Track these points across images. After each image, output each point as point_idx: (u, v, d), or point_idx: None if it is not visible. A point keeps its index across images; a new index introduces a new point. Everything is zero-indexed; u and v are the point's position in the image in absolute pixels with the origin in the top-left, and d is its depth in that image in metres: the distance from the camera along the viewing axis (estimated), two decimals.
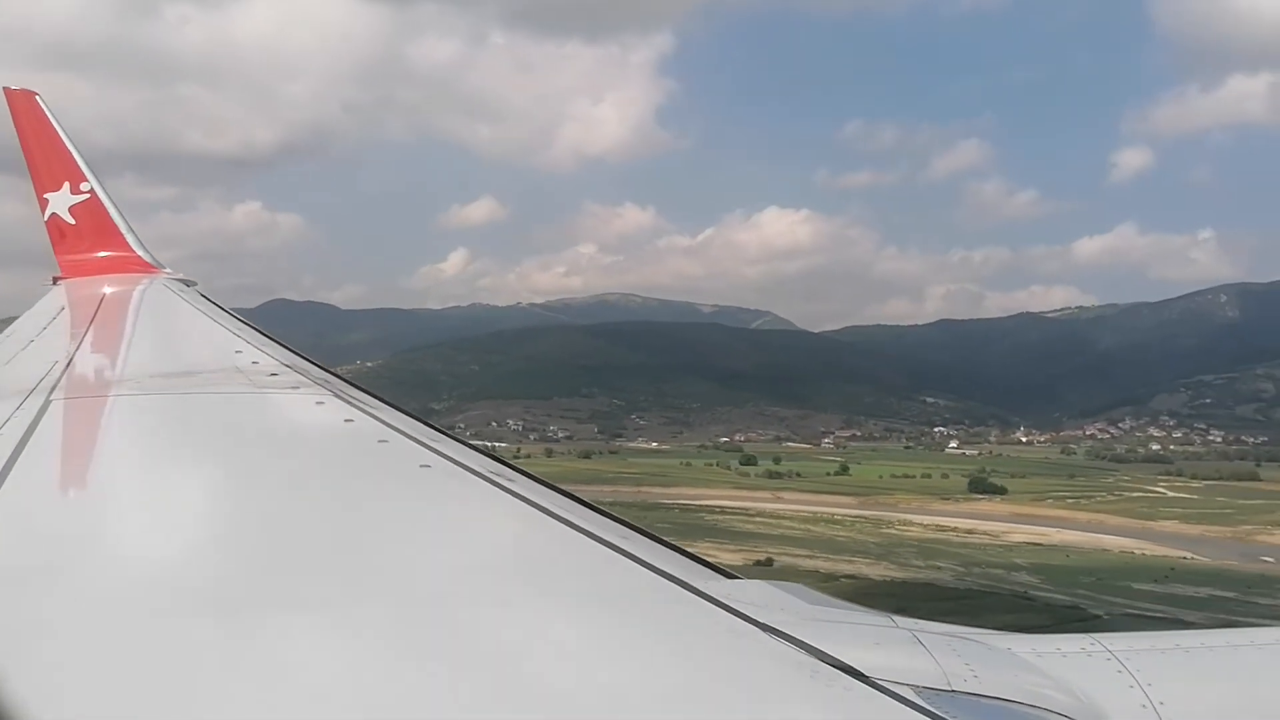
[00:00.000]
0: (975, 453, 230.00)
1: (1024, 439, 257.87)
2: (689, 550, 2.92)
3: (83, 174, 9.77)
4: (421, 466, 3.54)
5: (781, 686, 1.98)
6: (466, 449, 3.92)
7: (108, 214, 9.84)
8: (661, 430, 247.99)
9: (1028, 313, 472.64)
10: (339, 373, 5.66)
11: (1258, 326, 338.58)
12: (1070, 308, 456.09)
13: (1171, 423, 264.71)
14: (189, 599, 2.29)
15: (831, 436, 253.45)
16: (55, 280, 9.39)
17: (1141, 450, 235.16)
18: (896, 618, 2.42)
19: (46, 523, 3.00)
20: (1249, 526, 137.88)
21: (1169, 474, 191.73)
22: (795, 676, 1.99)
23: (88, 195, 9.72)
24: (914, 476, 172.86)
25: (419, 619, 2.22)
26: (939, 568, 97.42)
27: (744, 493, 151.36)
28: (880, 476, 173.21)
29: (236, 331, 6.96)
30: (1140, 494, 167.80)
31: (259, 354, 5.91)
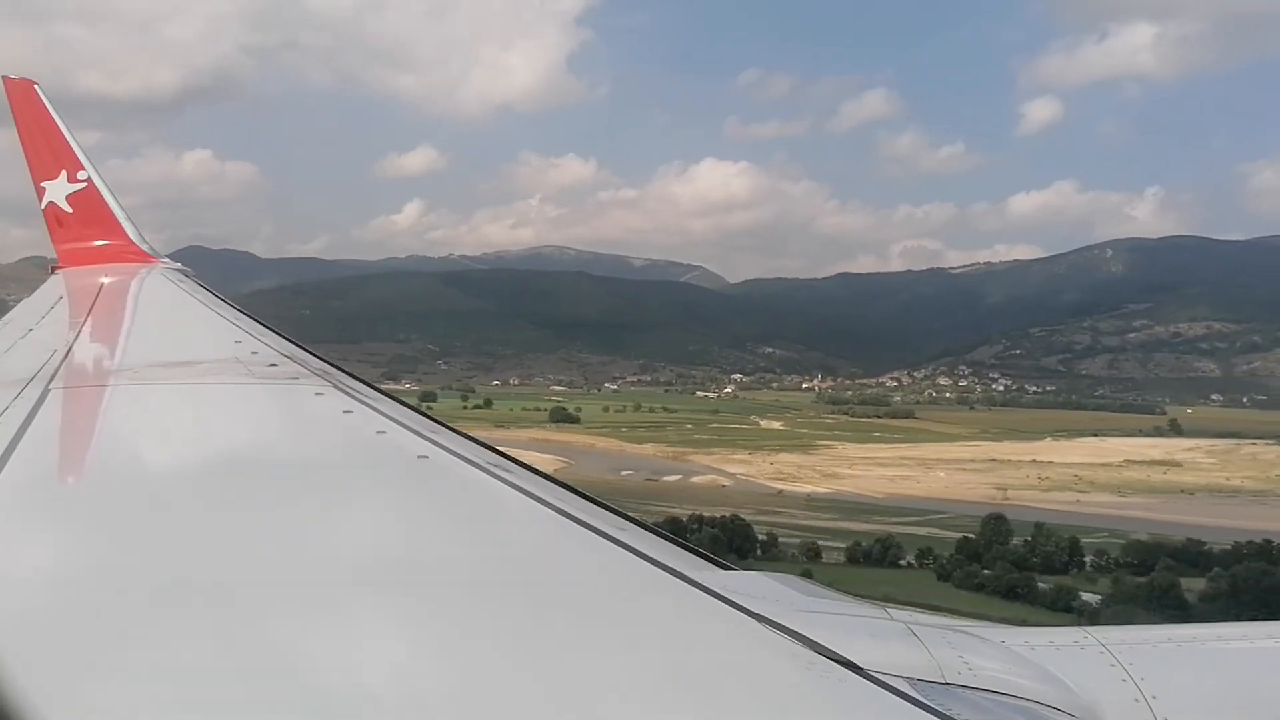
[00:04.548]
0: (715, 395, 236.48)
1: (805, 385, 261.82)
2: (685, 541, 2.97)
3: (80, 163, 9.78)
4: (419, 457, 3.55)
5: (777, 678, 1.98)
6: (465, 440, 3.94)
7: (105, 203, 9.85)
8: (459, 374, 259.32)
9: (934, 268, 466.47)
10: (340, 364, 5.69)
11: (1137, 280, 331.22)
12: (977, 264, 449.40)
13: (968, 372, 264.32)
14: (186, 589, 2.27)
15: (621, 381, 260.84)
16: (53, 269, 9.45)
17: (901, 398, 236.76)
18: (891, 609, 2.45)
19: (44, 511, 3.01)
20: (715, 450, 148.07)
21: (862, 414, 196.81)
22: (791, 668, 2.00)
23: (85, 184, 9.75)
24: (544, 410, 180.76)
25: (415, 609, 2.22)
26: None
27: None
28: (511, 409, 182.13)
29: (235, 321, 7.01)
30: (733, 428, 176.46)
31: (258, 344, 5.94)
